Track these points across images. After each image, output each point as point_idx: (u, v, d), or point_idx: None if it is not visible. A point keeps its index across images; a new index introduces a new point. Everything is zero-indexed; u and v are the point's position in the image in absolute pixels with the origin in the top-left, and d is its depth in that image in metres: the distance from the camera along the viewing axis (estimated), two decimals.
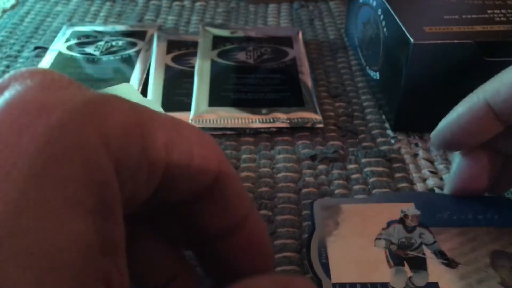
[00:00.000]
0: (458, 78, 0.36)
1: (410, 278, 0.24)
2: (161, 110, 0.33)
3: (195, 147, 0.17)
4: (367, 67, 0.45)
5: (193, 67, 0.45)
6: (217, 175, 0.18)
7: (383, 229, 0.27)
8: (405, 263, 0.25)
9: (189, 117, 0.39)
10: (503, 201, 0.29)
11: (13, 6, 0.58)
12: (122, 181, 0.14)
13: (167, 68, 0.45)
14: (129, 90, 0.35)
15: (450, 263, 0.25)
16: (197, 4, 0.59)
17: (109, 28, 0.51)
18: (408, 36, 0.35)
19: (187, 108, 0.40)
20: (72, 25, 0.52)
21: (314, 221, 0.28)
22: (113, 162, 0.14)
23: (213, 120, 0.39)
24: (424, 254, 0.26)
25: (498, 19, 0.38)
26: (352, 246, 0.26)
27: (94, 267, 0.12)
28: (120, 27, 0.52)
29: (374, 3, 0.42)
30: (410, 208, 0.28)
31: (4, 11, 0.57)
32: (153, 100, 0.41)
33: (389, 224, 0.27)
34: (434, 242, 0.26)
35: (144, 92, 0.42)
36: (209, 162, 0.17)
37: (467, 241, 0.26)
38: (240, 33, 0.50)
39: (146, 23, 0.55)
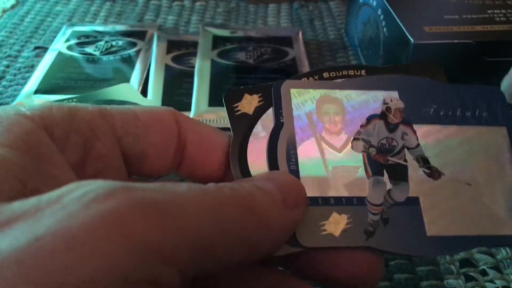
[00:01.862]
0: (458, 77, 0.36)
1: (389, 191, 0.21)
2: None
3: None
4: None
5: (193, 67, 0.45)
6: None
7: (361, 126, 0.22)
8: (384, 171, 0.21)
9: (190, 116, 0.39)
10: (494, 93, 0.23)
11: (13, 6, 0.58)
12: None
13: (167, 68, 0.45)
14: (129, 90, 0.35)
15: (433, 174, 0.21)
16: (197, 4, 0.59)
17: (109, 28, 0.51)
18: (408, 36, 0.35)
19: (187, 108, 0.40)
20: (72, 25, 0.52)
21: (281, 111, 0.22)
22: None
23: (213, 120, 0.39)
24: (406, 160, 0.21)
25: (498, 19, 0.38)
26: (328, 149, 0.21)
27: None
28: (120, 27, 0.52)
29: (374, 3, 0.42)
30: (393, 99, 0.22)
31: (4, 11, 0.57)
32: (153, 100, 0.41)
33: (369, 119, 0.22)
34: (418, 145, 0.22)
35: (144, 92, 0.42)
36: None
37: (456, 146, 0.22)
38: (240, 33, 0.50)
39: (146, 23, 0.55)
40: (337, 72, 0.23)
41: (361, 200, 0.20)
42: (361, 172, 0.21)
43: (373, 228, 0.20)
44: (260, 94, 0.22)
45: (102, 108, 0.18)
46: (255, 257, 0.16)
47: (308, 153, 0.21)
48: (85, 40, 0.49)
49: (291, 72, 0.44)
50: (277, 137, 0.21)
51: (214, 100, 0.40)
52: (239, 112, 0.22)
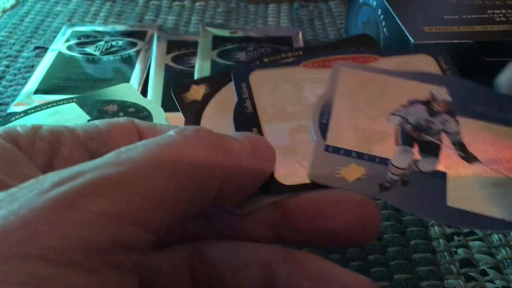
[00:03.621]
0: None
1: (416, 161, 0.22)
2: (161, 110, 0.33)
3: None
4: None
5: (193, 67, 0.45)
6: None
7: (402, 106, 0.24)
8: (415, 144, 0.22)
9: None
10: None
11: (13, 6, 0.58)
12: None
13: (167, 68, 0.45)
14: (129, 90, 0.35)
15: (468, 158, 0.22)
16: (197, 4, 0.59)
17: (109, 28, 0.51)
18: (408, 36, 0.35)
19: None
20: (72, 25, 0.52)
21: (329, 81, 0.24)
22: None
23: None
24: (440, 141, 0.22)
25: (498, 19, 0.38)
26: (363, 115, 0.23)
27: None
28: (120, 27, 0.52)
29: (374, 3, 0.42)
30: (442, 93, 0.24)
31: (4, 11, 0.57)
32: (153, 100, 0.41)
33: (411, 102, 0.24)
34: (457, 132, 0.23)
35: (144, 92, 0.42)
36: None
37: (496, 140, 0.22)
38: (240, 33, 0.50)
39: (146, 23, 0.55)
40: (276, 56, 0.26)
41: (383, 160, 0.21)
42: (389, 140, 0.22)
43: (389, 185, 0.21)
44: (207, 83, 0.25)
45: (65, 125, 0.19)
46: (224, 197, 0.17)
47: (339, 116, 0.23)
48: (85, 40, 0.49)
49: None
50: (243, 110, 0.24)
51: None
52: (188, 100, 0.24)
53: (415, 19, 0.37)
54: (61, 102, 0.33)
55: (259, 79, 0.25)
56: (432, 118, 0.23)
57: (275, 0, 0.59)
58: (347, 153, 0.22)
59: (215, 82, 0.25)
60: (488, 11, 0.39)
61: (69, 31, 0.51)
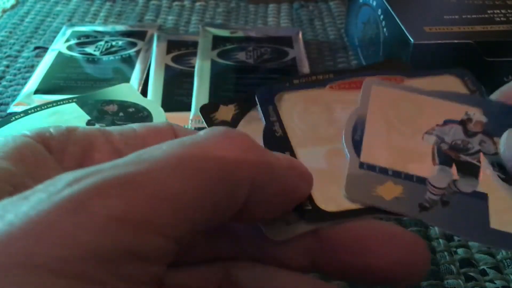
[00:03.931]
0: None
1: (455, 181, 0.21)
2: (161, 110, 0.33)
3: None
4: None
5: (193, 67, 0.45)
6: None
7: (437, 125, 0.23)
8: (453, 165, 0.22)
9: (189, 117, 0.39)
10: None
11: (13, 6, 0.58)
12: None
13: (167, 68, 0.45)
14: (129, 90, 0.35)
15: (509, 179, 0.21)
16: (197, 4, 0.59)
17: (109, 28, 0.51)
18: (408, 36, 0.35)
19: (187, 108, 0.40)
20: (72, 25, 0.52)
21: (361, 98, 0.24)
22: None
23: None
24: (479, 162, 0.22)
25: (498, 19, 0.38)
26: (396, 132, 0.23)
27: None
28: (120, 27, 0.52)
29: (374, 3, 0.42)
30: (477, 113, 0.23)
31: (4, 11, 0.57)
32: (153, 100, 0.41)
33: (447, 122, 0.23)
34: (496, 153, 0.22)
35: (144, 92, 0.42)
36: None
37: None
38: (240, 33, 0.50)
39: (146, 23, 0.55)
40: (306, 78, 0.25)
41: (421, 180, 0.21)
42: (427, 159, 0.22)
43: (428, 205, 0.20)
44: (235, 104, 0.24)
45: (100, 128, 0.18)
46: (253, 209, 0.16)
47: (373, 131, 0.22)
48: (85, 40, 0.49)
49: (291, 72, 0.44)
50: (272, 133, 0.23)
51: (214, 100, 0.40)
52: (217, 121, 0.23)
53: (415, 19, 0.37)
54: (61, 102, 0.33)
55: (286, 101, 0.24)
56: (468, 139, 0.23)
57: (275, 0, 0.59)
58: (383, 171, 0.21)
59: (243, 103, 0.24)
60: (488, 11, 0.39)
61: (69, 31, 0.51)
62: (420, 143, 0.22)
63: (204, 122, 0.23)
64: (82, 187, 0.12)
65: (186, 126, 0.39)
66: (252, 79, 0.43)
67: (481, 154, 0.22)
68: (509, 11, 0.39)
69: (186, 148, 0.14)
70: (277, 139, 0.23)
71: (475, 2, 0.40)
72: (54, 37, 0.51)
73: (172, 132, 0.19)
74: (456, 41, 0.34)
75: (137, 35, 0.50)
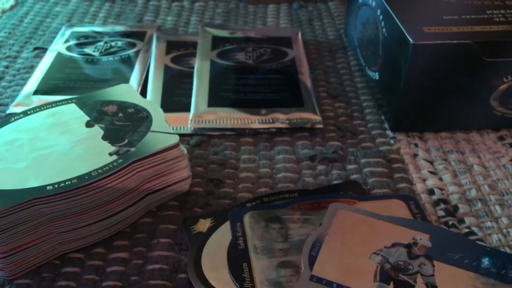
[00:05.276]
0: (458, 78, 0.36)
1: None
2: (160, 110, 0.33)
3: None
4: (367, 68, 0.45)
5: (193, 67, 0.45)
6: None
7: (385, 247, 0.27)
8: (391, 283, 0.25)
9: (189, 117, 0.39)
10: None
11: (12, 7, 0.58)
12: None
13: (166, 69, 0.45)
14: (128, 90, 0.35)
15: None
16: (196, 4, 0.59)
17: (108, 28, 0.51)
18: (408, 36, 0.35)
19: (187, 108, 0.40)
20: (71, 25, 0.52)
21: (324, 219, 0.28)
22: None
23: (212, 121, 0.39)
24: (415, 282, 0.25)
25: (497, 19, 0.38)
26: (349, 251, 0.27)
27: None
28: (119, 28, 0.52)
29: (373, 4, 0.42)
30: (424, 239, 0.27)
31: (3, 11, 0.57)
32: (153, 100, 0.41)
33: (394, 245, 0.27)
34: (432, 275, 0.26)
35: (143, 92, 0.42)
36: None
37: (467, 286, 0.25)
38: (239, 34, 0.50)
39: (145, 24, 0.54)
40: (274, 196, 0.32)
41: None
42: (369, 276, 0.26)
43: None
44: (212, 218, 0.30)
45: None
46: None
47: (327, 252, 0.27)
48: (84, 41, 0.49)
49: (290, 72, 0.44)
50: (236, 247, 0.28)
51: (213, 101, 0.40)
52: (195, 232, 0.29)
53: (414, 20, 0.37)
54: (61, 103, 0.33)
55: (252, 219, 0.29)
56: (410, 260, 0.26)
57: (275, 0, 0.59)
58: (329, 283, 0.25)
59: (220, 217, 0.30)
60: (487, 11, 0.39)
61: (68, 32, 0.51)
62: (367, 262, 0.26)
63: (185, 233, 0.29)
64: None
65: (185, 127, 0.39)
66: (252, 79, 0.43)
67: (419, 275, 0.26)
68: (508, 11, 0.39)
69: None
70: (239, 251, 0.27)
71: (474, 2, 0.40)
72: (54, 37, 0.51)
73: None
74: (455, 41, 0.34)
75: (136, 36, 0.50)
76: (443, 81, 0.36)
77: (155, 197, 0.31)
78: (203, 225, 0.30)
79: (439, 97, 0.37)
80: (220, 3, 0.59)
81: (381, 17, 0.40)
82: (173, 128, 0.38)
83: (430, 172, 0.35)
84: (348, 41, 0.51)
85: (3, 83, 0.44)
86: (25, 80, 0.44)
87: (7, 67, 0.47)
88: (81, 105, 0.33)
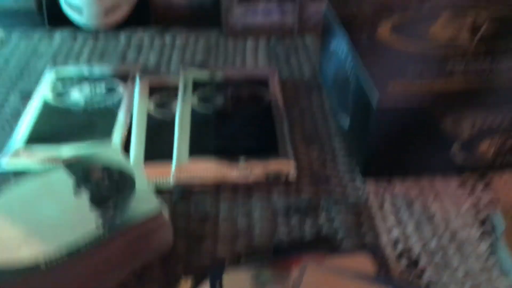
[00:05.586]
0: (421, 131, 0.39)
1: None
2: (143, 176, 0.35)
3: None
4: (339, 111, 0.47)
5: (174, 115, 0.47)
6: None
7: None
8: None
9: (171, 168, 0.41)
10: None
11: None
12: None
13: (149, 118, 0.47)
14: (115, 154, 0.37)
15: None
16: (178, 42, 0.61)
17: (92, 70, 0.53)
18: (371, 101, 0.37)
19: (169, 156, 0.42)
20: (55, 65, 0.54)
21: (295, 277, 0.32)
22: None
23: (193, 174, 0.41)
24: None
25: (457, 70, 0.40)
26: None
27: None
28: (104, 69, 0.54)
29: (343, 55, 0.45)
30: None
31: None
32: (136, 150, 0.43)
33: None
34: None
35: (127, 143, 0.44)
36: None
37: None
38: (219, 74, 0.52)
39: (128, 64, 0.56)
40: (250, 256, 0.35)
41: None
42: None
43: None
44: (193, 277, 0.33)
45: None
46: None
47: None
48: (69, 88, 0.51)
49: (267, 117, 0.47)
50: None
51: (194, 150, 0.43)
52: None
53: (381, 72, 0.39)
54: (50, 171, 0.35)
55: (230, 278, 0.32)
56: None
57: (253, 33, 0.62)
58: None
59: (200, 276, 0.33)
60: (449, 63, 0.41)
61: (53, 75, 0.52)
62: None
63: None
64: None
65: (168, 177, 0.41)
66: (230, 127, 0.46)
67: None
68: (469, 59, 0.41)
69: None
70: None
71: (437, 53, 0.43)
72: (39, 79, 0.52)
73: None
74: (416, 106, 0.37)
75: (119, 78, 0.52)
76: (407, 134, 0.39)
77: (138, 260, 0.34)
78: (185, 285, 0.33)
79: (404, 146, 0.40)
80: (201, 40, 0.61)
81: (350, 71, 0.43)
82: (155, 182, 0.40)
83: (396, 221, 0.38)
84: (323, 79, 0.54)
85: None
86: (13, 129, 0.46)
87: None
88: (69, 171, 0.35)
